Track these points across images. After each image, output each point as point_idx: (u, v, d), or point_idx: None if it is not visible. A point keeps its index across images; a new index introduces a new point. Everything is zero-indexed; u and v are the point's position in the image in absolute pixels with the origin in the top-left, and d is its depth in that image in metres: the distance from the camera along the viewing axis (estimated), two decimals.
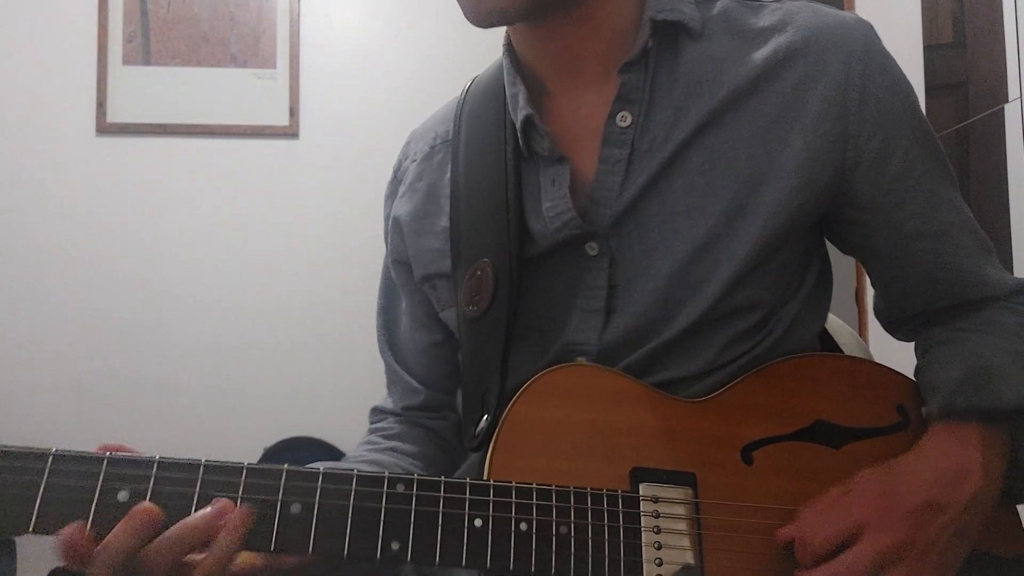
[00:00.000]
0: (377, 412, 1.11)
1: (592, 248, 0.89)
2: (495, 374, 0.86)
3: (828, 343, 1.05)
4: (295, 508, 0.71)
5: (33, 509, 0.69)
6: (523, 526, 0.73)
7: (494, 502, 0.74)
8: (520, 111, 0.91)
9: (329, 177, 3.11)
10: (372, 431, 1.08)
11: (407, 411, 1.08)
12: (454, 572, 0.87)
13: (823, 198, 0.89)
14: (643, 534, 0.76)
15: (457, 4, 0.87)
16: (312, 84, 3.11)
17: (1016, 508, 0.88)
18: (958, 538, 0.79)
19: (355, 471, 0.73)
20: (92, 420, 2.92)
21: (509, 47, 0.96)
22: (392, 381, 1.10)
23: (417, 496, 0.73)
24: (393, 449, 1.02)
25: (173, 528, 0.69)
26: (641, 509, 0.77)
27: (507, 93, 0.94)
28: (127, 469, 0.71)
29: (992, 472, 0.82)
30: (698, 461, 0.81)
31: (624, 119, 0.89)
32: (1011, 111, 1.78)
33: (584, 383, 0.83)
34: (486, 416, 0.84)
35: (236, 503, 0.71)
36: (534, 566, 0.72)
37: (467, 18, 0.87)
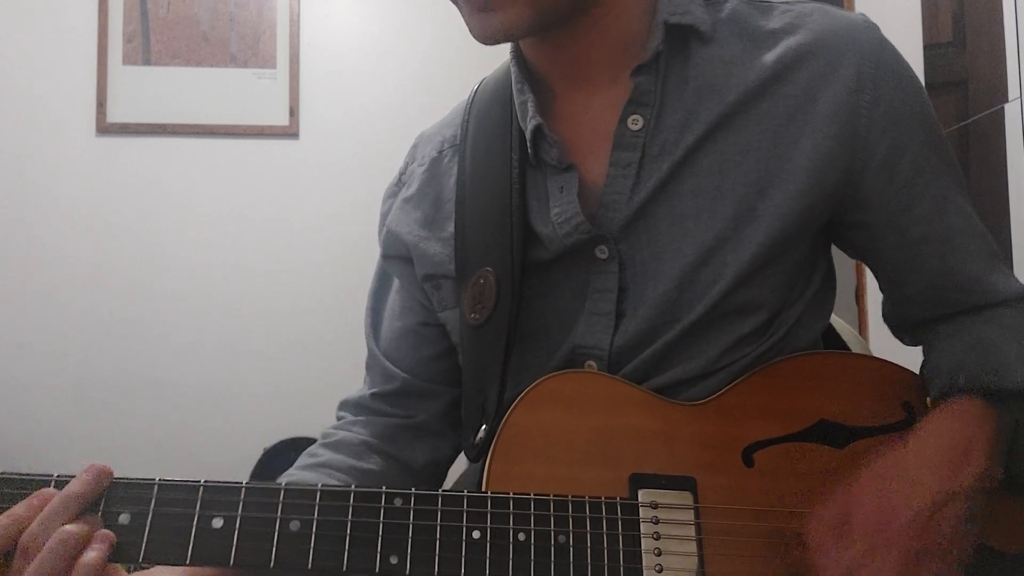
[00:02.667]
0: (342, 407, 1.10)
1: (602, 252, 0.88)
2: (494, 383, 0.86)
3: (834, 340, 1.05)
4: (294, 525, 0.72)
5: None
6: (521, 536, 0.73)
7: (492, 513, 0.74)
8: (530, 120, 0.90)
9: (329, 177, 3.10)
10: (321, 437, 1.05)
11: (377, 397, 1.05)
12: None
13: (831, 200, 0.89)
14: (642, 541, 0.76)
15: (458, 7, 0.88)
16: (312, 84, 3.11)
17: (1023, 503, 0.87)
18: (968, 521, 0.77)
19: (353, 487, 0.74)
20: (92, 420, 2.92)
21: (517, 53, 0.96)
22: (369, 367, 1.09)
23: (415, 510, 0.74)
24: (327, 464, 0.99)
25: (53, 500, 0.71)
26: (640, 516, 0.77)
27: (515, 101, 0.94)
28: (127, 492, 0.73)
29: (995, 452, 0.80)
30: (698, 465, 0.81)
31: (635, 122, 0.88)
32: (1011, 111, 1.77)
33: (581, 389, 0.83)
34: (484, 425, 0.84)
35: (236, 521, 0.72)
36: None
37: (473, 36, 0.87)
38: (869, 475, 0.79)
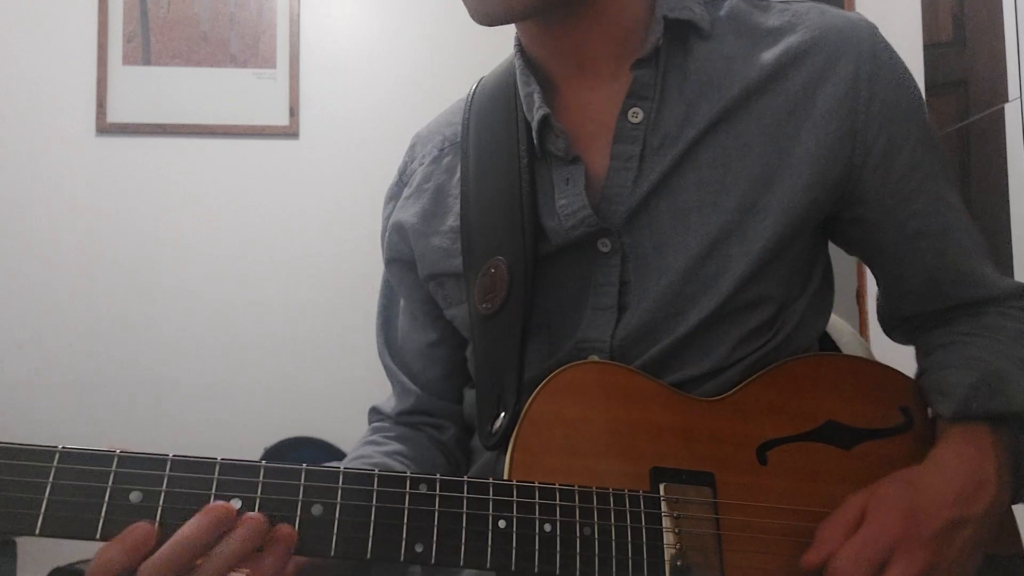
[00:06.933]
0: (375, 413, 1.11)
1: (604, 245, 0.89)
2: (511, 372, 0.85)
3: (827, 343, 1.06)
4: (316, 509, 0.69)
5: (39, 511, 0.65)
6: (547, 527, 0.72)
7: (518, 503, 0.73)
8: (537, 111, 0.91)
9: (329, 177, 3.10)
10: (373, 430, 1.07)
11: (402, 416, 1.07)
12: (460, 573, 0.87)
13: (833, 194, 0.90)
14: (664, 535, 0.76)
15: (458, 4, 0.88)
16: (312, 84, 3.11)
17: (1011, 508, 0.89)
18: (974, 550, 0.80)
19: (376, 471, 0.72)
20: (92, 419, 2.92)
21: (520, 47, 0.97)
22: (391, 383, 1.10)
23: (440, 496, 0.72)
24: (399, 453, 1.01)
25: (165, 545, 0.65)
26: (662, 510, 0.77)
27: (520, 93, 0.94)
28: (139, 468, 0.67)
29: (1003, 479, 0.83)
30: (715, 460, 0.81)
31: (635, 115, 0.89)
32: (1011, 111, 1.78)
33: (601, 381, 0.83)
34: (503, 414, 0.83)
35: (255, 504, 0.68)
36: (559, 568, 0.72)
37: (472, 17, 0.87)
38: (892, 483, 0.80)
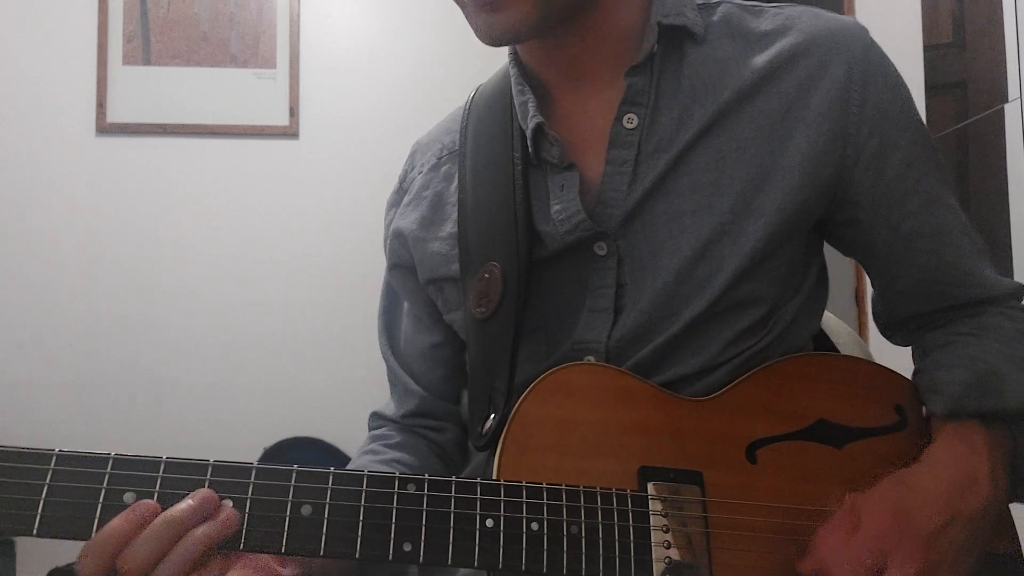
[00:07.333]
0: (376, 418, 1.12)
1: (600, 248, 0.89)
2: (503, 374, 0.86)
3: (824, 342, 1.06)
4: (306, 509, 0.71)
5: (36, 512, 0.68)
6: (534, 526, 0.73)
7: (505, 502, 0.73)
8: (531, 120, 0.91)
9: (329, 177, 3.11)
10: (373, 438, 1.08)
11: (405, 418, 1.08)
12: (456, 572, 0.88)
13: (824, 195, 0.90)
14: (652, 533, 0.76)
15: (457, 5, 0.88)
16: (312, 84, 3.11)
17: (1008, 507, 0.88)
18: (968, 548, 0.79)
19: (365, 471, 0.73)
20: (92, 419, 2.93)
21: (515, 56, 0.97)
22: (393, 384, 1.11)
23: (428, 496, 0.73)
24: (398, 461, 1.02)
25: (156, 520, 0.68)
26: (650, 508, 0.77)
27: (515, 102, 0.95)
28: (133, 470, 0.70)
29: (998, 478, 0.83)
30: (704, 460, 0.81)
31: (630, 121, 0.90)
32: (1011, 111, 1.78)
33: (590, 382, 0.83)
34: (493, 415, 0.84)
35: (246, 504, 0.70)
36: (546, 567, 0.72)
37: (480, 39, 0.88)
38: (884, 486, 0.81)
